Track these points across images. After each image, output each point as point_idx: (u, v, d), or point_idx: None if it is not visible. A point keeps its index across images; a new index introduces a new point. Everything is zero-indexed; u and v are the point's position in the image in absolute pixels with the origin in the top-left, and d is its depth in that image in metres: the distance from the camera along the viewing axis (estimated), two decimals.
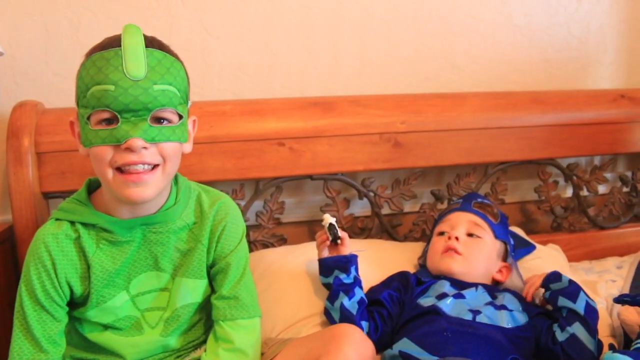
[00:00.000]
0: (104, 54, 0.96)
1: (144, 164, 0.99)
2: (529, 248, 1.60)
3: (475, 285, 1.33)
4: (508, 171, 1.79)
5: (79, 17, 1.50)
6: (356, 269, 1.33)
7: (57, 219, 1.08)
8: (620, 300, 1.28)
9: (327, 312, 1.30)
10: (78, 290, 1.06)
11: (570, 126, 1.77)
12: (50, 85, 1.50)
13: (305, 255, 1.45)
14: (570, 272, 1.60)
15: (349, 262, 1.31)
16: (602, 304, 1.46)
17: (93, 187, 1.13)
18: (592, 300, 1.25)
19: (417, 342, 1.17)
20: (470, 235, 1.40)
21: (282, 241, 1.64)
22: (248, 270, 1.17)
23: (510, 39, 1.86)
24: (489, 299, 1.29)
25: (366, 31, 1.73)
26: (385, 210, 1.72)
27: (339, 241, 1.32)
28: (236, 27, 1.62)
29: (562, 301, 1.24)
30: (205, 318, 1.18)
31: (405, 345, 1.18)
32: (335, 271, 1.30)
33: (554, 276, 1.29)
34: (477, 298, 1.29)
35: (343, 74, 1.73)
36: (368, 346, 1.08)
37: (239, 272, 1.14)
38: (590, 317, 1.22)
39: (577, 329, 1.20)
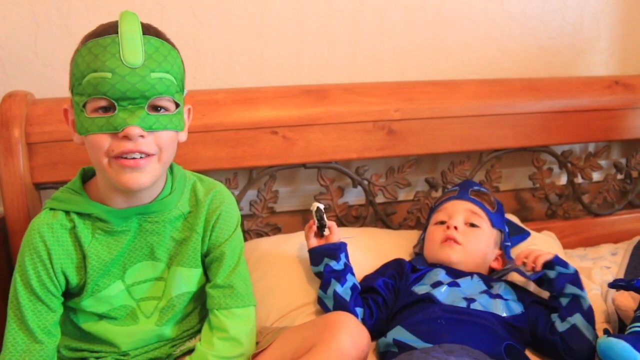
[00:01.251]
0: (100, 40, 0.95)
1: (140, 152, 0.98)
2: (523, 235, 1.60)
3: (471, 274, 1.33)
4: (502, 158, 1.79)
5: (68, 6, 1.48)
6: (346, 256, 1.33)
7: (51, 209, 1.06)
8: (614, 285, 1.28)
9: (320, 301, 1.30)
10: (74, 280, 1.06)
11: (564, 113, 1.76)
12: (40, 76, 1.49)
13: (299, 244, 1.45)
14: (565, 258, 1.58)
15: (338, 249, 1.31)
16: (596, 290, 1.47)
17: (87, 176, 1.12)
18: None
19: (411, 330, 1.17)
20: (468, 224, 1.40)
21: (276, 230, 1.63)
22: (243, 259, 1.17)
23: (503, 26, 1.85)
24: (484, 287, 1.29)
25: (359, 19, 1.71)
26: (380, 199, 1.72)
27: (326, 230, 1.32)
28: (228, 15, 1.61)
29: (570, 288, 1.23)
30: (200, 307, 1.18)
31: (399, 333, 1.18)
32: (325, 259, 1.30)
33: (563, 261, 1.29)
34: (472, 287, 1.29)
35: (336, 62, 1.72)
36: (363, 333, 1.08)
37: (233, 261, 1.14)
38: (590, 310, 1.23)
39: (578, 319, 1.20)
